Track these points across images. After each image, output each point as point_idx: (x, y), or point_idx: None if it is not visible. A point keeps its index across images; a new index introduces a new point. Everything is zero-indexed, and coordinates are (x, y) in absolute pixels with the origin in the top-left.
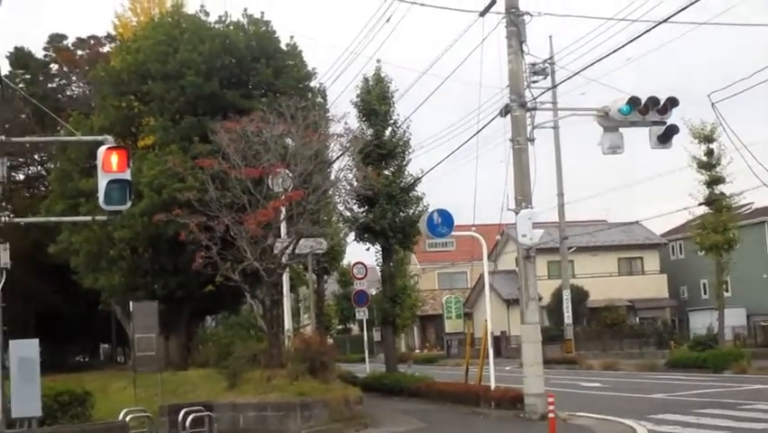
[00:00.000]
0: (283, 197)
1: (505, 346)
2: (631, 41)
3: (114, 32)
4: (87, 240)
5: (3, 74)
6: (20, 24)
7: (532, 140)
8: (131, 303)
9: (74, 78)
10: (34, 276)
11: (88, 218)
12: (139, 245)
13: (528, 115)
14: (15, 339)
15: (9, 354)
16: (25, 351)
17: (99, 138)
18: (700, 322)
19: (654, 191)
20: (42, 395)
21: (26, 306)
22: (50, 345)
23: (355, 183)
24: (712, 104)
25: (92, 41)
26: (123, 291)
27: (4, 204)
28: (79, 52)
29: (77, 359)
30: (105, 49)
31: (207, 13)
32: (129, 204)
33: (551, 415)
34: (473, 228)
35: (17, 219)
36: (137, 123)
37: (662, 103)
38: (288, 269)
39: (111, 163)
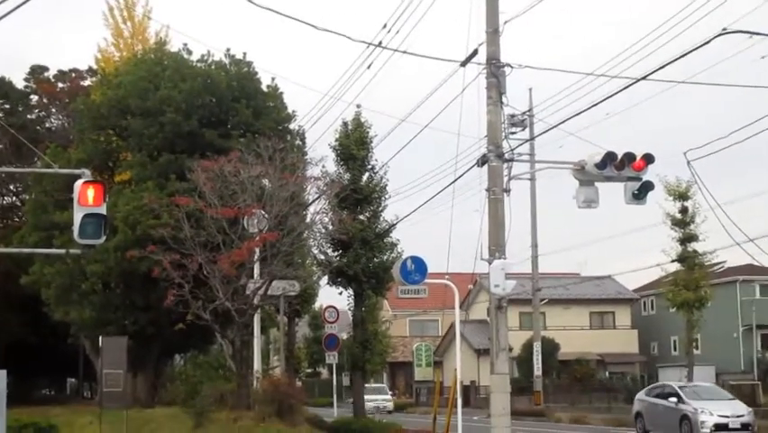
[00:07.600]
0: (258, 238)
1: (474, 396)
2: (608, 97)
3: (95, 66)
4: (60, 272)
5: None
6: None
7: (508, 191)
8: (100, 338)
9: (53, 111)
10: (3, 307)
11: (62, 251)
12: (111, 280)
13: (505, 166)
14: None
15: None
16: None
17: (76, 171)
18: (670, 379)
19: (628, 246)
20: (7, 427)
21: None
22: (16, 377)
23: (330, 227)
24: (688, 162)
25: (73, 74)
26: (93, 326)
27: None
28: (60, 85)
29: (42, 392)
30: (86, 82)
31: (190, 52)
32: (103, 238)
33: None
34: (446, 276)
35: None
36: (115, 157)
37: (638, 159)
38: (259, 310)
39: (87, 197)
